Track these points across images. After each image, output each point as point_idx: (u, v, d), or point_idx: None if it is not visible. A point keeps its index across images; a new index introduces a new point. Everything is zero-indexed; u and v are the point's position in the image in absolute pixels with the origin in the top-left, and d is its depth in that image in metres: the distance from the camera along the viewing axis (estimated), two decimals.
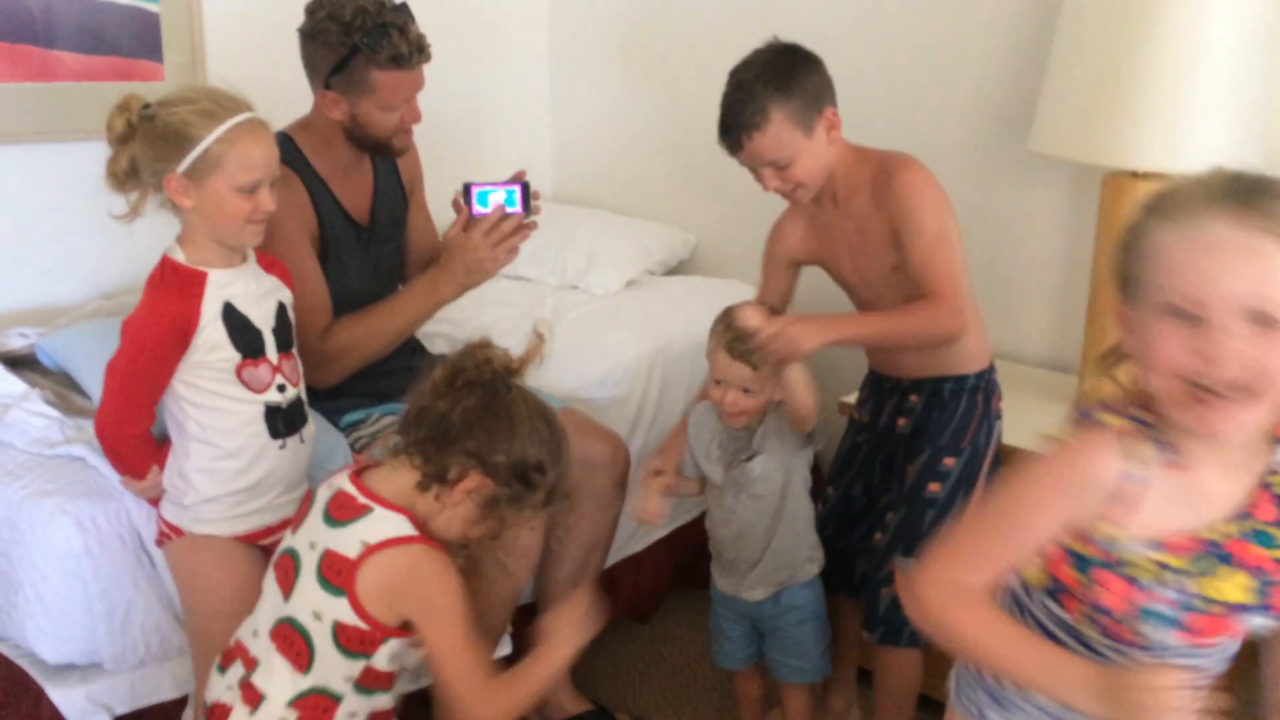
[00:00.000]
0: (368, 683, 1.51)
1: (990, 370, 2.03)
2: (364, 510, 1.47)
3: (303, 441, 1.79)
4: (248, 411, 1.70)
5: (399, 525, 1.47)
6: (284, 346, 1.76)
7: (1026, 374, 2.49)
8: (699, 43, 3.04)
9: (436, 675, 1.51)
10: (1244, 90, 2.01)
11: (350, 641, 1.47)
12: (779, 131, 1.83)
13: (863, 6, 2.71)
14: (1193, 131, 2.01)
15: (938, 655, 2.14)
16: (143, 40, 2.57)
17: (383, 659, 1.50)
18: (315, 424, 1.88)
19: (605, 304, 2.82)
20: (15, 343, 2.27)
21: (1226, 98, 2.00)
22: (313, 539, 1.50)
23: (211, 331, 1.66)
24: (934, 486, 1.96)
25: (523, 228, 2.04)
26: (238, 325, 1.68)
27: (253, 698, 1.50)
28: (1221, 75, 1.99)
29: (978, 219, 2.58)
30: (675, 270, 3.17)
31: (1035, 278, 2.54)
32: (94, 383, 2.04)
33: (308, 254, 2.01)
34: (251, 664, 1.52)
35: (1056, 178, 2.45)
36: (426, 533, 1.48)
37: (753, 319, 1.78)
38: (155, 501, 1.79)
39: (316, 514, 1.51)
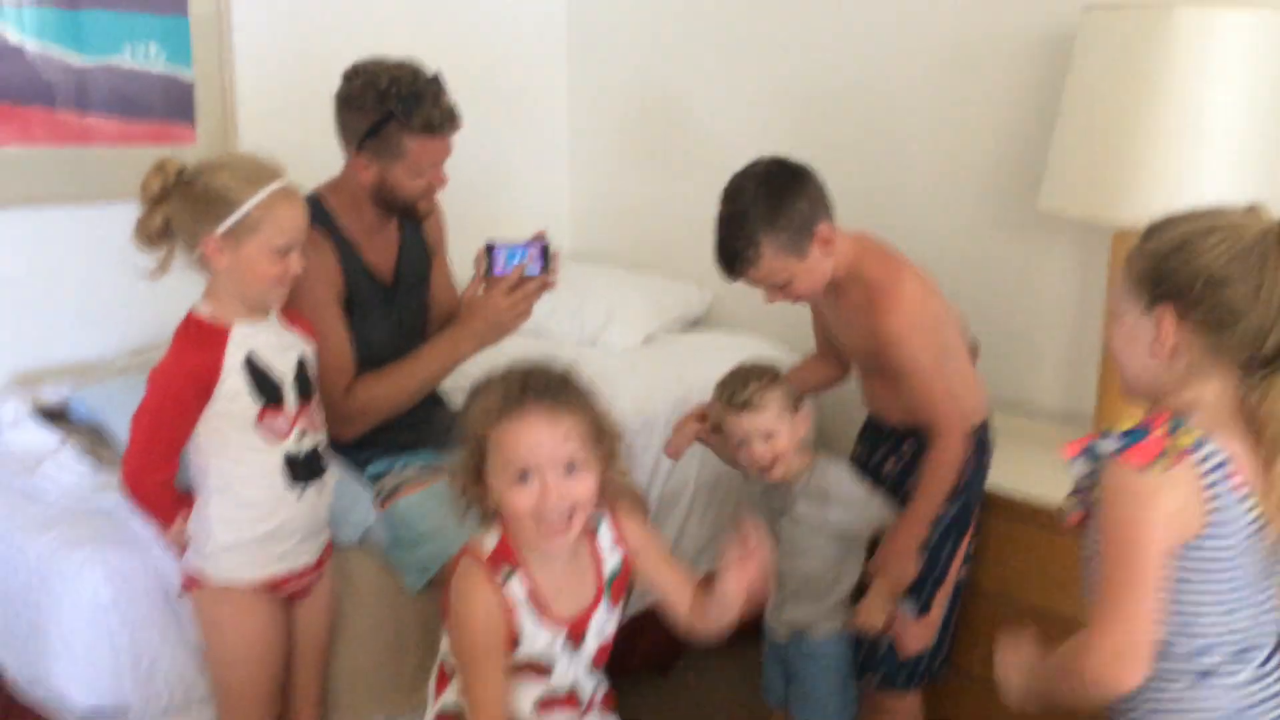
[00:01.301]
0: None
1: (984, 427, 2.05)
2: None
3: (321, 491, 1.83)
4: (267, 461, 1.75)
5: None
6: (305, 396, 1.80)
7: (1039, 428, 2.51)
8: (713, 103, 3.11)
9: None
10: (1250, 148, 2.04)
11: None
12: (772, 262, 1.87)
13: (871, 67, 2.78)
14: (1200, 189, 2.04)
15: (937, 697, 2.16)
16: (176, 105, 2.65)
17: None
18: (340, 474, 1.92)
19: (623, 359, 2.87)
20: (49, 396, 2.33)
21: (1233, 155, 2.04)
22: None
23: (233, 381, 1.71)
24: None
25: (543, 287, 2.09)
26: (259, 375, 1.73)
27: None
28: (1228, 133, 2.03)
29: (990, 276, 2.62)
30: (692, 326, 3.22)
31: (1047, 333, 2.57)
32: (124, 436, 2.09)
33: (334, 314, 2.07)
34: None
35: (1067, 235, 2.49)
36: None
37: (875, 617, 1.98)
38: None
39: None
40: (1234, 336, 1.23)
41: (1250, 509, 1.23)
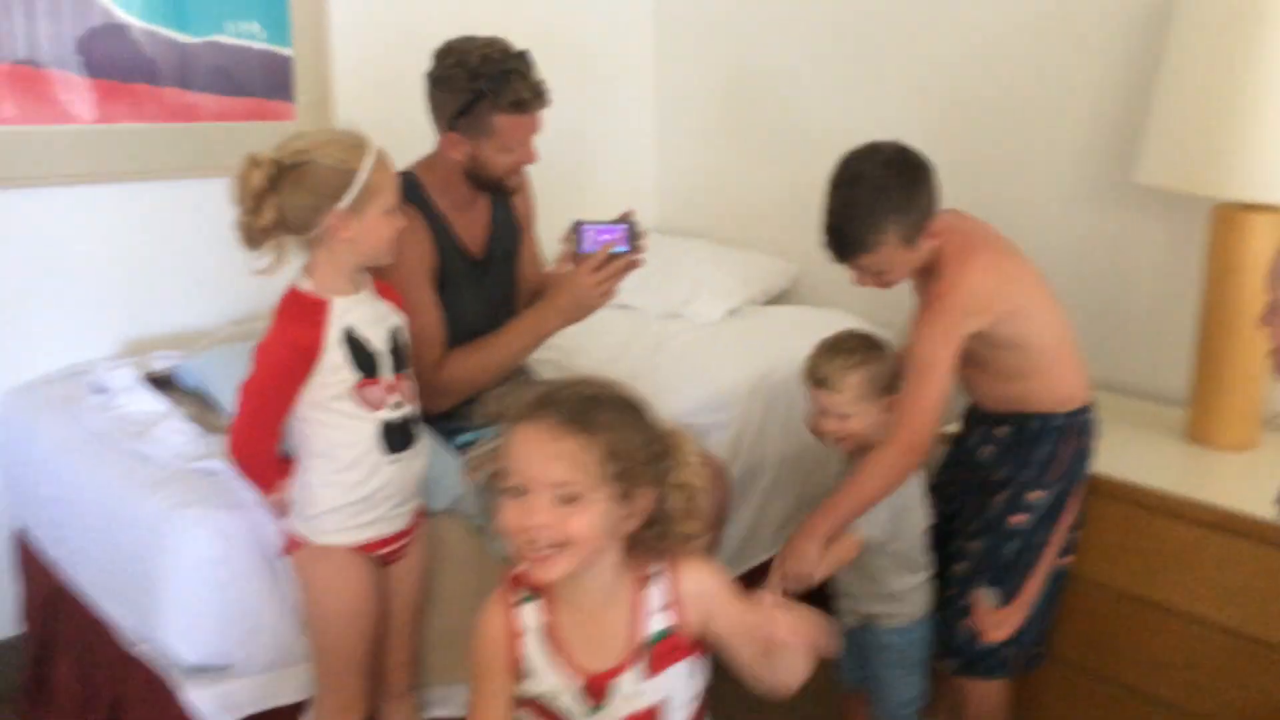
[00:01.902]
0: None
1: (1083, 411, 2.01)
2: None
3: (414, 458, 1.88)
4: (364, 428, 1.80)
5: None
6: (400, 367, 1.85)
7: (1129, 406, 2.47)
8: (801, 77, 3.09)
9: None
10: None
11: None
12: (890, 251, 1.85)
13: (970, 40, 2.73)
14: None
15: (1032, 688, 2.15)
16: (276, 82, 2.73)
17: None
18: (431, 444, 1.98)
19: (707, 332, 2.88)
20: (157, 365, 2.42)
21: None
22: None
23: (334, 354, 1.76)
24: (1018, 519, 1.96)
25: (630, 266, 2.11)
26: (357, 348, 1.78)
27: None
28: None
29: (1084, 251, 2.57)
30: (776, 299, 3.21)
31: (1141, 309, 2.52)
32: (228, 402, 2.17)
33: (428, 289, 2.11)
34: None
35: (1159, 208, 2.44)
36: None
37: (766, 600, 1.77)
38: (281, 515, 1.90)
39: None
40: None
41: None
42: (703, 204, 3.47)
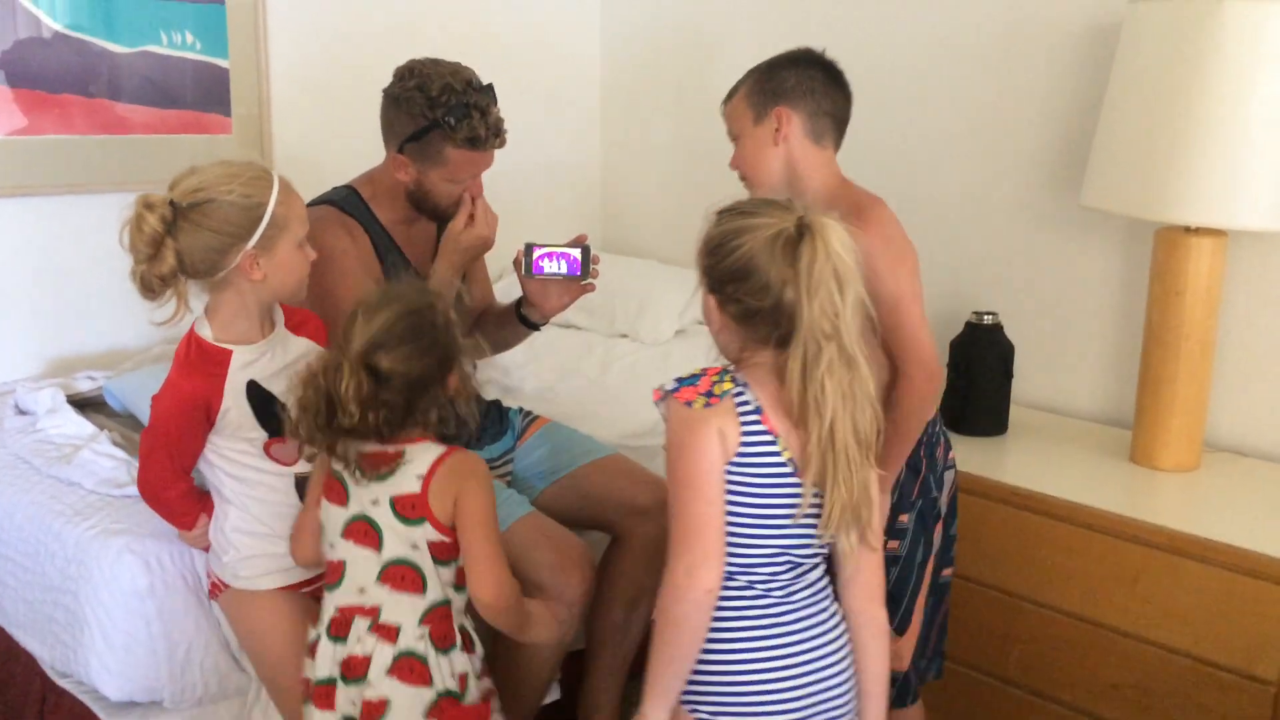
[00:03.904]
0: (460, 580, 1.64)
1: (929, 426, 1.89)
2: (398, 455, 1.60)
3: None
4: (278, 483, 1.73)
5: (431, 448, 1.61)
6: None
7: (1078, 428, 2.48)
8: None
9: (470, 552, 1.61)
10: None
11: (441, 553, 1.61)
12: (736, 106, 1.90)
13: (917, 63, 2.75)
14: (1246, 185, 2.01)
15: (937, 694, 2.13)
16: (210, 94, 2.66)
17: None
18: None
19: (655, 352, 2.85)
20: (84, 385, 2.35)
21: (1279, 150, 2.01)
22: (373, 497, 1.61)
23: (236, 412, 1.67)
24: (893, 545, 1.88)
25: (582, 290, 2.09)
26: (261, 403, 1.68)
27: (389, 633, 1.61)
28: (1275, 129, 1.99)
29: (1031, 273, 2.59)
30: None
31: (1088, 331, 2.53)
32: None
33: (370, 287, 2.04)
34: (373, 612, 1.62)
35: (1109, 232, 2.46)
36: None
37: None
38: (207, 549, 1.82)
39: (355, 479, 1.61)
40: (761, 321, 1.43)
41: (779, 451, 1.43)
42: (650, 223, 3.45)
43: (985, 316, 2.38)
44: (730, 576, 1.45)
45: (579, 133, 3.48)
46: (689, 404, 1.43)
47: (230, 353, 1.66)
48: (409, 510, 1.59)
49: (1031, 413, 2.54)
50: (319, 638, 1.65)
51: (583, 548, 2.03)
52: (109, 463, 2.04)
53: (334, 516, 1.64)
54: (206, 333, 1.68)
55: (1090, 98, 2.39)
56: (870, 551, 1.51)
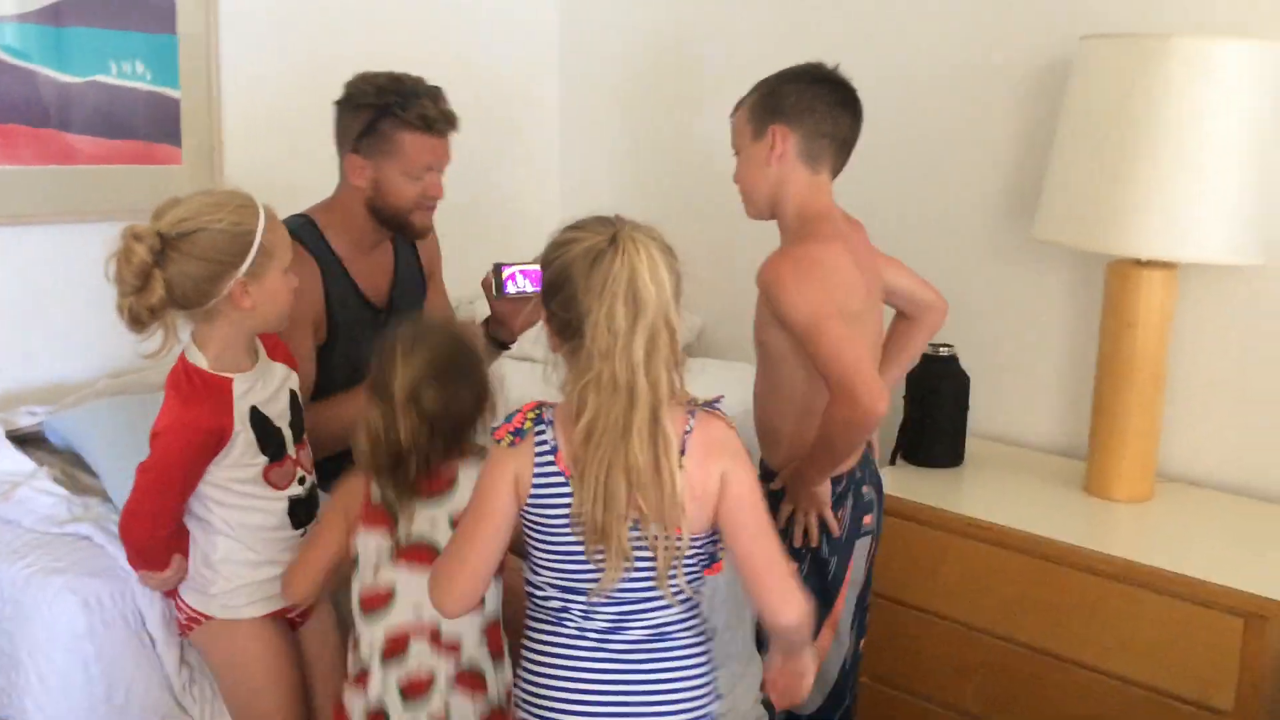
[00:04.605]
0: (504, 592, 1.68)
1: (860, 465, 1.87)
2: (453, 475, 1.64)
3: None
4: (274, 508, 1.73)
5: (478, 463, 1.61)
6: (298, 436, 1.77)
7: (1033, 459, 2.49)
8: (710, 132, 3.10)
9: None
10: (1246, 179, 2.04)
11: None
12: (740, 118, 1.87)
13: (871, 98, 2.75)
14: (1196, 218, 2.04)
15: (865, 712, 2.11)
16: (161, 124, 2.62)
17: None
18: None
19: None
20: (23, 421, 2.28)
21: (1229, 187, 2.03)
22: (431, 516, 1.64)
23: (243, 440, 1.67)
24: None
25: None
26: (263, 429, 1.69)
27: (451, 649, 1.63)
28: (1224, 164, 2.02)
29: (985, 305, 2.60)
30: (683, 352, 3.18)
31: (1042, 363, 2.55)
32: (103, 461, 2.06)
33: (305, 336, 2.01)
34: (430, 630, 1.63)
35: (1062, 265, 2.48)
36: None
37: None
38: (170, 592, 1.79)
39: (416, 504, 1.64)
40: (572, 335, 1.40)
41: (567, 489, 1.41)
42: None
43: (941, 349, 2.39)
44: (545, 599, 1.48)
45: (538, 162, 3.46)
46: (498, 441, 1.44)
47: (231, 381, 1.67)
48: None
49: (987, 444, 2.55)
50: (366, 668, 1.64)
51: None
52: (48, 500, 1.99)
53: (380, 544, 1.65)
54: (202, 363, 1.67)
55: (1043, 132, 2.42)
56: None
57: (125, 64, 2.56)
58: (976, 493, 2.29)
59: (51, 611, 1.76)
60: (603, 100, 3.38)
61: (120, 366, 2.53)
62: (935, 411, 2.38)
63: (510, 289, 2.03)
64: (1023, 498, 2.23)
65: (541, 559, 1.46)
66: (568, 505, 1.41)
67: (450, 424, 1.62)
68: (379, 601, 1.64)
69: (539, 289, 2.01)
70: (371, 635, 1.64)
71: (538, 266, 2.02)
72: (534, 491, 1.42)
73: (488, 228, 3.23)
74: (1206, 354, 2.30)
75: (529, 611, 1.52)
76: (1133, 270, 2.16)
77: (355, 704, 1.65)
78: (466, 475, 1.64)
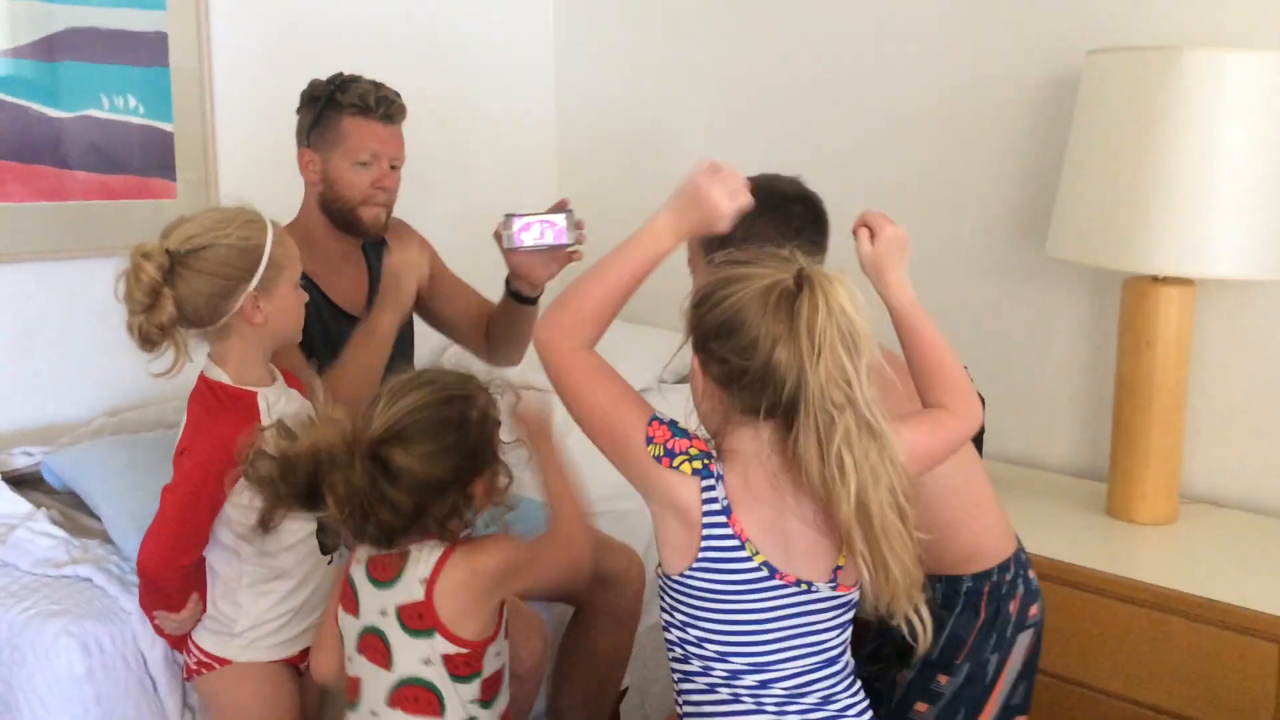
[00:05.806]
0: (487, 695, 1.51)
1: (996, 571, 1.65)
2: (403, 557, 1.46)
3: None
4: (301, 529, 1.68)
5: (434, 549, 1.46)
6: None
7: (1052, 481, 2.44)
8: (707, 153, 3.07)
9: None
10: (1261, 189, 2.01)
11: (459, 668, 1.47)
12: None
13: (873, 111, 2.75)
14: (1211, 234, 2.01)
15: None
16: (155, 158, 2.59)
17: (490, 664, 1.50)
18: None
19: None
20: (19, 461, 2.25)
21: (1244, 200, 2.00)
22: (381, 607, 1.48)
23: None
24: (921, 707, 1.65)
25: (570, 257, 2.02)
26: None
27: None
28: (1238, 177, 2.00)
29: (999, 325, 2.57)
30: (686, 379, 3.14)
31: (1058, 383, 2.51)
32: (103, 501, 2.03)
33: (292, 350, 1.96)
34: None
35: (1077, 283, 2.45)
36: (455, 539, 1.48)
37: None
38: (175, 640, 1.75)
39: (366, 588, 1.50)
40: (747, 386, 1.27)
41: (749, 556, 1.29)
42: None
43: None
44: (704, 671, 1.34)
45: (533, 183, 3.44)
46: (667, 457, 1.31)
47: (256, 394, 1.65)
48: (416, 620, 1.45)
49: (1005, 467, 2.50)
50: None
51: (539, 620, 1.94)
52: (46, 541, 1.95)
53: (349, 627, 1.52)
54: (224, 379, 1.66)
55: (1053, 149, 2.39)
56: None
57: (118, 98, 2.54)
58: None
59: (50, 655, 1.72)
60: (598, 127, 3.36)
61: (118, 404, 2.49)
62: None
63: (525, 240, 1.97)
64: (1044, 522, 2.18)
65: (706, 635, 1.34)
66: (746, 569, 1.29)
67: (413, 493, 1.40)
68: (352, 693, 1.53)
69: (559, 241, 1.97)
70: None
71: (557, 219, 1.96)
72: (703, 552, 1.29)
73: (480, 244, 3.19)
74: (1227, 370, 2.26)
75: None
76: (1149, 287, 2.12)
77: None
78: (418, 560, 1.44)
